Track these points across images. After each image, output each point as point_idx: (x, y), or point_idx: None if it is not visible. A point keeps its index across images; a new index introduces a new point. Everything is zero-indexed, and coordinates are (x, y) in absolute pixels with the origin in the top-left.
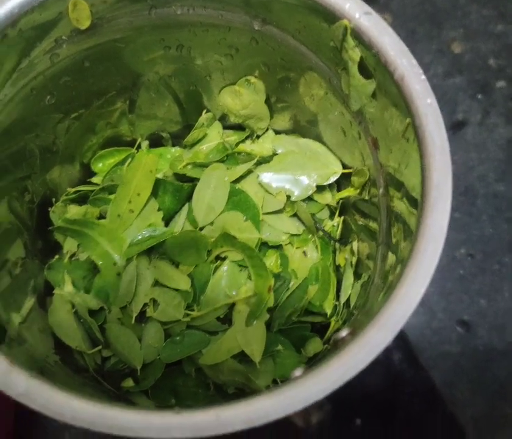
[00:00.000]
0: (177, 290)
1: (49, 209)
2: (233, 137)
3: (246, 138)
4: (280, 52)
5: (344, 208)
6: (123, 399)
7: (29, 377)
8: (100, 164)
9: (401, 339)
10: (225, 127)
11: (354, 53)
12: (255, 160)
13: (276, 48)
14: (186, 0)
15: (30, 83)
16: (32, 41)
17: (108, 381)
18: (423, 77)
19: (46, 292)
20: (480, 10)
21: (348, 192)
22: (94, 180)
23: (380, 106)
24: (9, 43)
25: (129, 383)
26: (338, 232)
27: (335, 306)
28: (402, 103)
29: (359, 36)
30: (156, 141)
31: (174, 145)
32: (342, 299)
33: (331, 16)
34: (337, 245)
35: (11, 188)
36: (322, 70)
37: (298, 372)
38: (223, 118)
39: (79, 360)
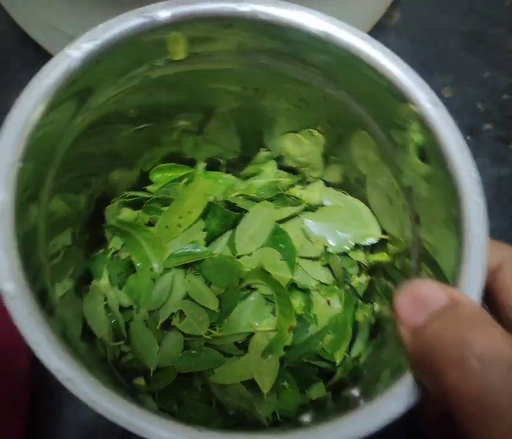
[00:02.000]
0: (204, 308)
1: (106, 207)
2: (286, 179)
3: (297, 182)
4: (345, 114)
5: (373, 268)
6: (132, 395)
7: (77, 367)
8: (159, 176)
9: None
10: (280, 168)
11: (415, 136)
12: (303, 206)
13: (343, 109)
14: (272, 54)
15: (118, 96)
16: (133, 61)
17: (121, 375)
18: (475, 174)
19: (81, 281)
20: (469, 58)
21: (382, 257)
22: (150, 188)
23: (429, 189)
24: (114, 59)
25: (141, 381)
26: (363, 290)
27: (344, 358)
28: (450, 193)
29: (422, 123)
30: (212, 165)
31: (227, 172)
32: (353, 354)
33: (401, 97)
34: (359, 302)
35: (77, 183)
36: (381, 139)
37: (306, 417)
38: (279, 159)
39: (100, 350)
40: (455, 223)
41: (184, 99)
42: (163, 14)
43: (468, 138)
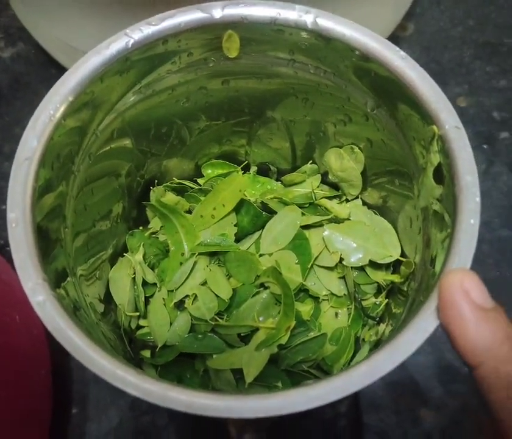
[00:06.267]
0: (217, 296)
1: (151, 188)
2: (325, 192)
3: (335, 197)
4: (383, 135)
5: (391, 291)
6: (135, 365)
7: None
8: (209, 171)
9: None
10: (325, 183)
11: (434, 157)
12: (329, 216)
13: (380, 130)
14: (321, 64)
15: (173, 84)
16: (186, 52)
17: (130, 345)
18: (478, 199)
19: (119, 253)
20: (484, 67)
21: (394, 278)
22: (200, 180)
23: (439, 210)
24: (168, 48)
25: (147, 354)
26: (378, 311)
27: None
28: (452, 214)
29: (443, 144)
30: (264, 171)
31: (277, 180)
32: None
33: (428, 118)
34: (370, 322)
35: (137, 159)
36: (411, 163)
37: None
38: (325, 174)
39: (117, 317)
40: (447, 242)
41: (240, 101)
42: (218, 12)
43: (484, 146)
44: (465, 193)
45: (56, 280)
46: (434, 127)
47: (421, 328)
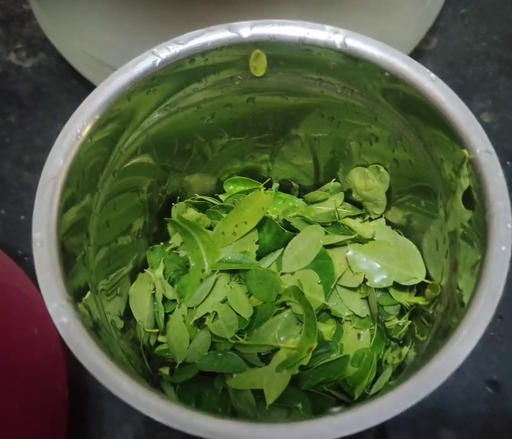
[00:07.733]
0: (238, 314)
1: (173, 204)
2: (348, 211)
3: (358, 215)
4: (411, 155)
5: (415, 312)
6: (154, 382)
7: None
8: (231, 187)
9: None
10: (348, 201)
11: (464, 181)
12: (353, 236)
13: (408, 150)
14: (348, 84)
15: (198, 101)
16: (213, 71)
17: (149, 361)
18: (510, 225)
19: (139, 269)
20: (508, 82)
21: (418, 300)
22: (221, 197)
23: (469, 235)
24: (195, 67)
25: (165, 371)
26: (401, 332)
27: (364, 394)
28: (482, 239)
29: (473, 169)
30: (285, 187)
31: (299, 196)
32: (373, 391)
33: (459, 142)
34: (392, 343)
35: (159, 175)
36: (438, 184)
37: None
38: (349, 192)
39: (136, 333)
40: (478, 268)
41: (264, 118)
42: (247, 32)
43: (508, 163)
44: (496, 219)
45: (78, 295)
46: (465, 151)
47: (452, 356)
